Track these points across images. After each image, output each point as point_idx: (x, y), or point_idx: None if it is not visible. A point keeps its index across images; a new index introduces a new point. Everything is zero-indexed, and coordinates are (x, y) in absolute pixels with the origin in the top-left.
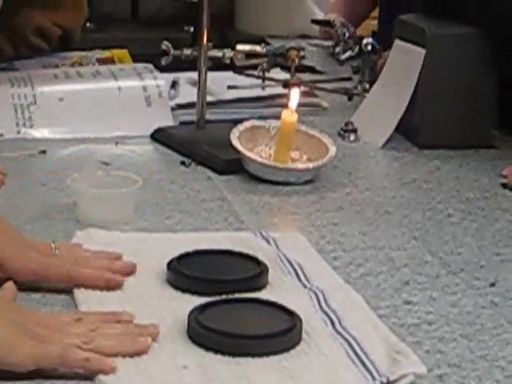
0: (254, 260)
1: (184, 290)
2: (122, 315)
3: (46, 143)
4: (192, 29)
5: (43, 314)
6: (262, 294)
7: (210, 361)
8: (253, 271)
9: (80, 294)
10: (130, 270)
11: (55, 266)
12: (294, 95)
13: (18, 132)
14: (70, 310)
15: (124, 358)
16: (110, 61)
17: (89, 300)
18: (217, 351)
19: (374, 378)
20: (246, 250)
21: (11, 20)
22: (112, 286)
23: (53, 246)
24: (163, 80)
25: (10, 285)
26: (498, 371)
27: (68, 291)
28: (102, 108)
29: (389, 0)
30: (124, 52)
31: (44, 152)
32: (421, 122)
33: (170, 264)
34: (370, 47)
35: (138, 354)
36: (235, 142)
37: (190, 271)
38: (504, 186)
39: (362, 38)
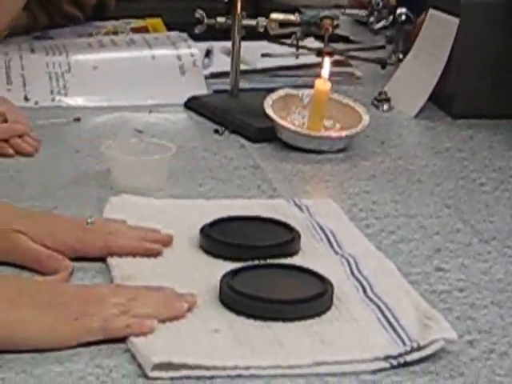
0: (286, 226)
1: (216, 256)
2: (161, 287)
3: (80, 111)
4: None
5: (81, 289)
6: (294, 260)
7: (242, 325)
8: (285, 237)
9: (113, 261)
10: (167, 241)
11: (92, 240)
12: (327, 64)
13: (53, 100)
14: (104, 276)
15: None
16: (144, 30)
17: (123, 266)
18: (248, 315)
19: (404, 344)
20: (278, 217)
21: None
22: (150, 255)
23: (89, 220)
24: (197, 49)
25: (66, 265)
26: None
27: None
28: (135, 76)
29: None
30: (158, 21)
31: (78, 120)
32: (454, 92)
33: (202, 230)
34: (404, 17)
35: (174, 319)
36: (268, 110)
37: (223, 237)
38: None
39: (396, 7)
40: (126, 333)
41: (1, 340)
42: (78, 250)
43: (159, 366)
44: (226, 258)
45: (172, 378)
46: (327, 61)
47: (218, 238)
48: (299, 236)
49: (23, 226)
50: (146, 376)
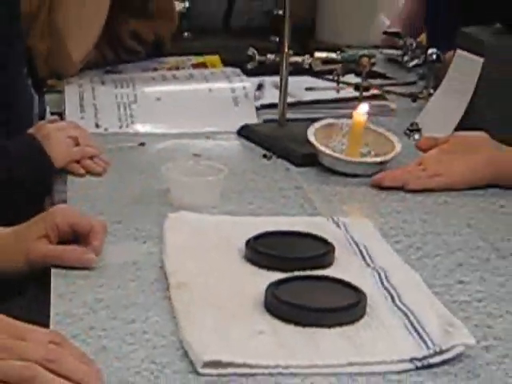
0: (322, 240)
1: (260, 266)
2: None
3: (144, 137)
4: (277, 39)
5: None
6: (329, 271)
7: (284, 329)
8: (321, 250)
9: (170, 268)
10: None
11: None
12: (363, 103)
13: (121, 127)
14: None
15: (207, 326)
16: (202, 66)
17: (178, 274)
18: (290, 321)
19: (428, 348)
20: (319, 233)
21: (112, 27)
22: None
23: None
24: (249, 83)
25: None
26: None
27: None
28: (194, 107)
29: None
30: (216, 58)
31: (143, 144)
32: (477, 125)
33: (248, 242)
34: (434, 56)
35: None
36: (312, 138)
37: (265, 249)
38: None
39: (427, 48)
40: None
41: None
42: None
43: (209, 364)
44: (268, 268)
45: (219, 375)
46: (365, 101)
47: (261, 249)
48: (334, 249)
49: None
50: (196, 372)
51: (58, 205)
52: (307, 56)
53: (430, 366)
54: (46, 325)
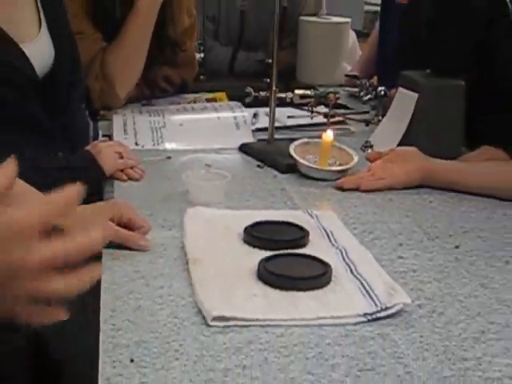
0: (299, 227)
1: (254, 246)
2: None
3: (170, 152)
4: (268, 80)
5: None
6: (304, 250)
7: (272, 293)
8: (298, 235)
9: (188, 244)
10: None
11: None
12: (330, 127)
13: (153, 145)
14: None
15: (215, 291)
16: (213, 100)
17: (194, 251)
18: (276, 287)
19: (376, 306)
20: (297, 222)
21: (149, 72)
22: None
23: None
24: (247, 112)
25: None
26: (457, 303)
27: None
28: (207, 130)
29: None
30: (223, 94)
31: (169, 158)
32: (412, 142)
33: (245, 229)
34: (382, 92)
35: None
36: (292, 153)
37: (258, 234)
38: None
39: (377, 86)
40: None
41: None
42: None
43: (216, 318)
44: (260, 248)
45: (224, 326)
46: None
47: (256, 234)
48: (308, 234)
49: None
50: (207, 324)
51: (120, 200)
52: (289, 93)
53: (378, 319)
54: (97, 288)
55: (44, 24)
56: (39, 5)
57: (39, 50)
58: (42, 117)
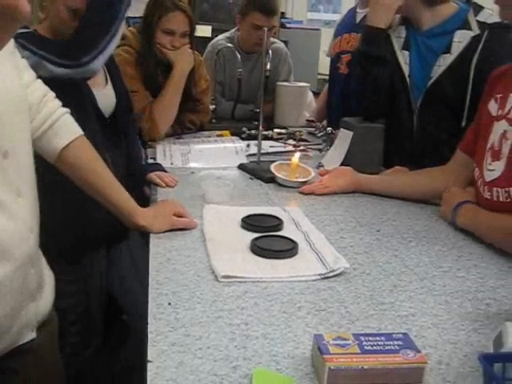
0: (277, 218)
1: (248, 230)
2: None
3: (193, 169)
4: (256, 123)
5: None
6: (281, 233)
7: (259, 261)
8: (277, 223)
9: (205, 227)
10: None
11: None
12: (297, 153)
13: (182, 164)
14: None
15: (223, 258)
16: (221, 136)
17: (209, 232)
18: (262, 256)
19: (327, 268)
20: (276, 214)
21: (180, 117)
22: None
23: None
24: (243, 144)
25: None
26: (378, 267)
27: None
28: (217, 155)
29: (331, 111)
30: (227, 132)
31: (193, 173)
32: (349, 163)
33: (242, 219)
34: (330, 131)
35: None
36: (272, 170)
37: (251, 222)
38: None
39: (327, 127)
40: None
41: None
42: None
43: (224, 276)
44: (252, 231)
45: (228, 282)
46: (297, 153)
47: (249, 222)
48: (283, 222)
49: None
50: (218, 280)
51: (173, 200)
52: (270, 131)
53: (328, 277)
54: (146, 261)
55: (109, 80)
56: (104, 68)
57: (107, 96)
58: (107, 144)
